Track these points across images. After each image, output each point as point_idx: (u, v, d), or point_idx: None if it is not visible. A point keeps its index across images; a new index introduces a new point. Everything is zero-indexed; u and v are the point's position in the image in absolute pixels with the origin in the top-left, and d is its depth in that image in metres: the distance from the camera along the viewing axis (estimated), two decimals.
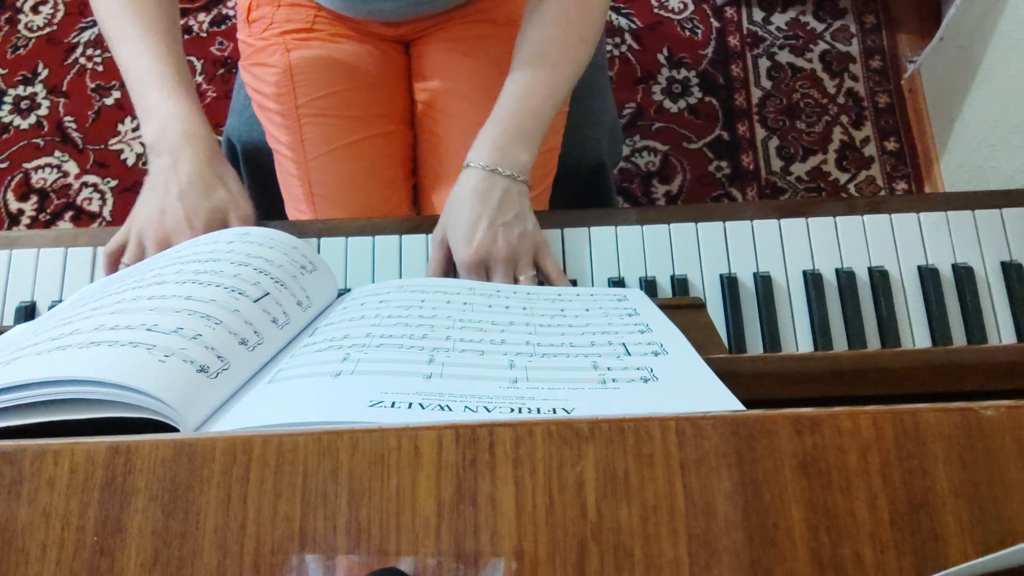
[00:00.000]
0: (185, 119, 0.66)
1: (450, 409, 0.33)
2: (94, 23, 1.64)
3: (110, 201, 1.50)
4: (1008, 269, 0.66)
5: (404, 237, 0.69)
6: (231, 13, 1.64)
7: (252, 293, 0.47)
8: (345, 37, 0.85)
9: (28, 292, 0.69)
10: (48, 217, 1.49)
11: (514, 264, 0.65)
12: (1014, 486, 0.28)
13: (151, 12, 0.69)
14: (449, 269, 0.67)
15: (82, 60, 1.61)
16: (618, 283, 0.67)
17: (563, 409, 0.33)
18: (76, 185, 1.51)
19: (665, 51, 1.59)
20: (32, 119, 1.58)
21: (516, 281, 0.65)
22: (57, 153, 1.54)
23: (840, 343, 0.65)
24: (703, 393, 0.36)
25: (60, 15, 1.66)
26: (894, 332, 0.65)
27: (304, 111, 0.83)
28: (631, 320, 0.48)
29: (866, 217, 0.68)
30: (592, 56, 0.72)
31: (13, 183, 1.53)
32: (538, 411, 0.33)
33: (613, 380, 0.37)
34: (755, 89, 1.55)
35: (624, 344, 0.43)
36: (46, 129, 1.56)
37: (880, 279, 0.66)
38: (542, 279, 0.66)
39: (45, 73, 1.61)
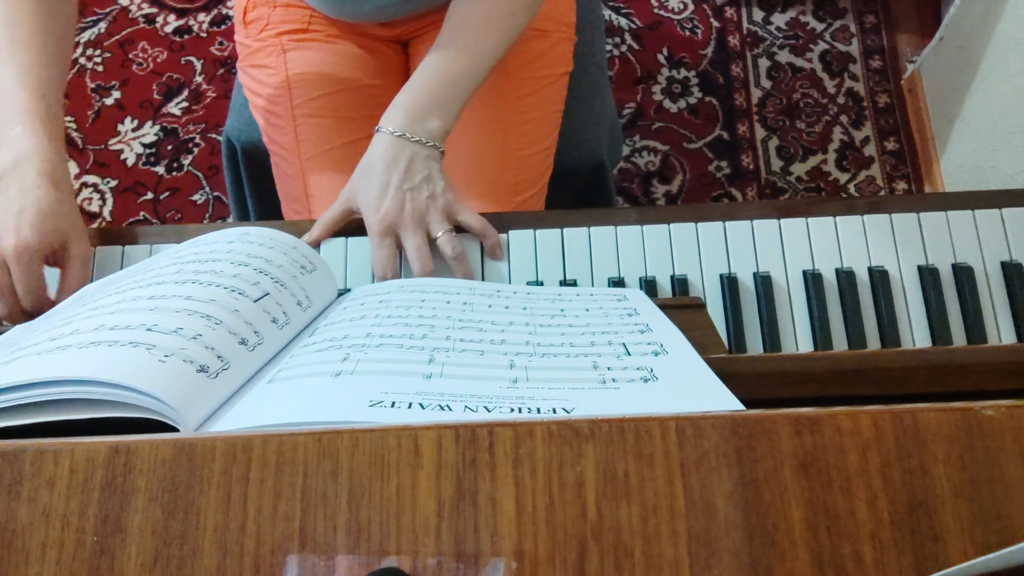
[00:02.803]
0: (42, 158, 0.64)
1: (450, 409, 0.33)
2: (94, 23, 1.64)
3: (110, 201, 1.50)
4: (1008, 269, 0.66)
5: None
6: (231, 13, 1.64)
7: (252, 293, 0.47)
8: (341, 38, 0.85)
9: None
10: None
11: (424, 225, 0.66)
12: (1014, 486, 0.28)
13: (43, 32, 0.67)
14: (338, 227, 0.68)
15: (82, 60, 1.61)
16: (618, 283, 0.67)
17: (563, 409, 0.33)
18: (76, 185, 1.51)
19: (665, 51, 1.59)
20: None
21: (432, 241, 0.66)
22: None
23: (840, 343, 0.65)
24: (703, 393, 0.36)
25: None
26: (894, 332, 0.65)
27: (300, 112, 0.83)
28: (631, 320, 0.48)
29: (866, 217, 0.68)
30: (524, 29, 0.73)
31: None
32: (538, 411, 0.33)
33: (613, 380, 0.37)
34: (755, 89, 1.55)
35: (624, 344, 0.43)
36: None
37: (880, 279, 0.66)
38: (469, 233, 0.68)
39: None
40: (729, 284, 0.66)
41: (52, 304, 0.63)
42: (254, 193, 0.98)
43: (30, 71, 0.66)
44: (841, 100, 1.53)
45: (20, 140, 0.64)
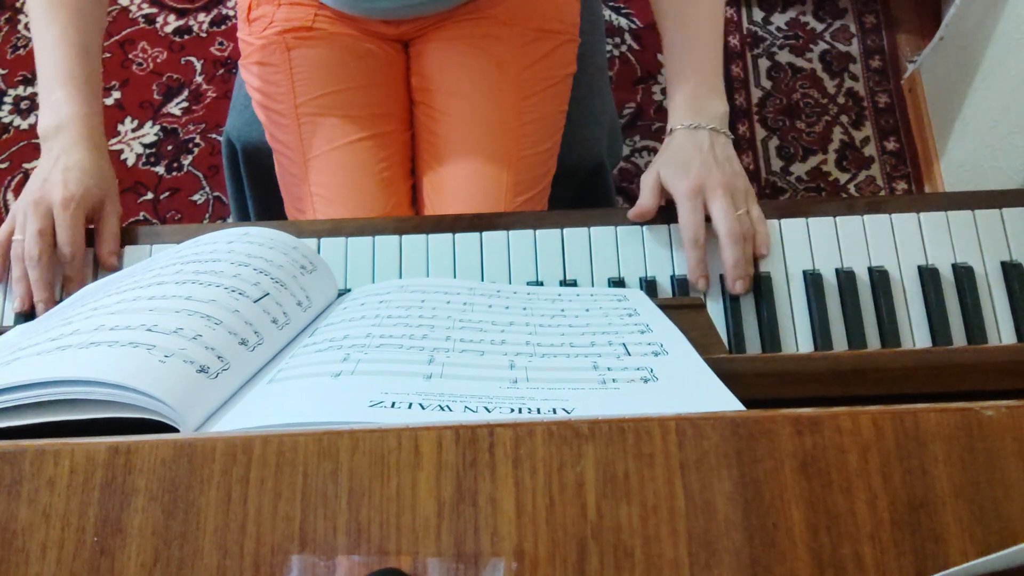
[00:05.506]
0: (83, 122, 0.70)
1: (450, 409, 0.33)
2: None
3: None
4: (1008, 269, 0.66)
5: (404, 237, 0.69)
6: (231, 13, 1.64)
7: (252, 293, 0.47)
8: (346, 36, 0.85)
9: None
10: None
11: (731, 193, 0.67)
12: (1014, 486, 0.28)
13: (79, 6, 0.71)
14: (659, 202, 0.70)
15: None
16: (618, 283, 0.67)
17: (563, 409, 0.33)
18: None
19: None
20: (32, 119, 1.58)
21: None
22: None
23: (840, 343, 0.65)
24: (703, 393, 0.36)
25: None
26: (894, 332, 0.65)
27: (303, 110, 0.83)
28: (631, 320, 0.48)
29: (866, 217, 0.68)
30: None
31: (13, 183, 1.53)
32: (538, 411, 0.33)
33: (613, 380, 0.37)
34: (755, 89, 1.55)
35: (624, 344, 0.43)
36: None
37: (880, 279, 0.66)
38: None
39: None
40: None
41: (103, 260, 0.69)
42: (254, 193, 0.98)
43: (69, 36, 0.70)
44: (841, 100, 1.53)
45: (62, 105, 0.69)
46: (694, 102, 0.70)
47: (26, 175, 1.53)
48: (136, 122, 1.55)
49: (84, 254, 0.68)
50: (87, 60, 0.71)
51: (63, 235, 0.67)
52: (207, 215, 1.49)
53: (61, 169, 0.68)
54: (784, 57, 1.58)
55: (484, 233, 0.68)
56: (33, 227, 0.66)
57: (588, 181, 0.95)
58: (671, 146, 0.70)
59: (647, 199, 0.69)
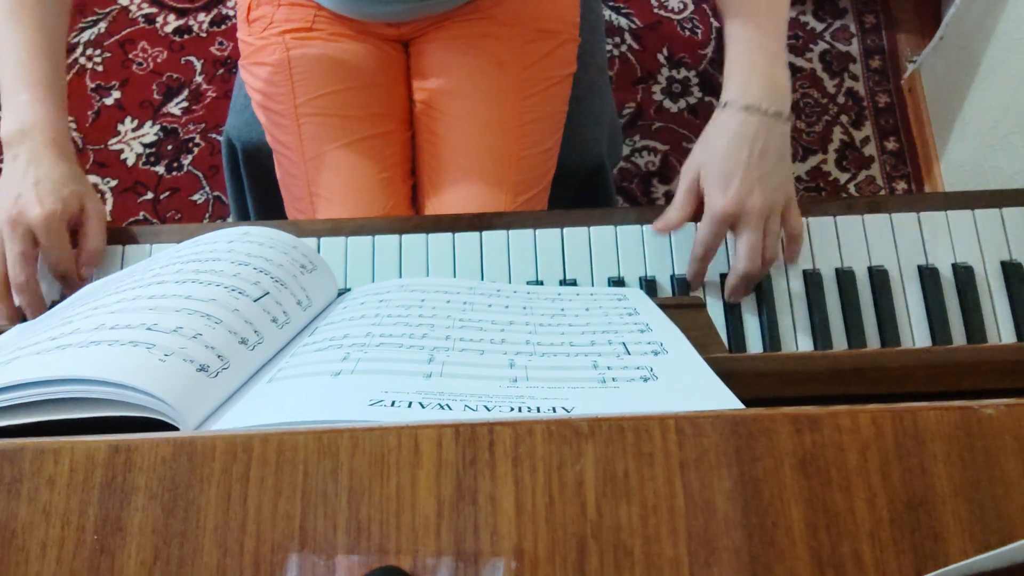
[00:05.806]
0: (50, 127, 0.67)
1: (450, 408, 0.33)
2: (94, 23, 1.64)
3: (110, 201, 1.50)
4: (1008, 269, 0.66)
5: (404, 237, 0.69)
6: (231, 13, 1.64)
7: (252, 292, 0.47)
8: (345, 36, 0.85)
9: None
10: None
11: (765, 219, 0.63)
12: (1013, 484, 0.28)
13: (42, 8, 0.69)
14: (693, 212, 0.66)
15: (82, 60, 1.61)
16: (618, 283, 0.67)
17: (563, 408, 0.33)
18: None
19: (665, 51, 1.59)
20: None
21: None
22: None
23: (840, 343, 0.65)
24: (703, 392, 0.36)
25: None
26: (894, 332, 0.65)
27: (303, 110, 0.83)
28: (631, 319, 0.48)
29: (866, 217, 0.68)
30: None
31: None
32: (538, 410, 0.33)
33: (613, 379, 0.37)
34: None
35: (624, 343, 0.43)
36: None
37: (880, 279, 0.66)
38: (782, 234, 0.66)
39: None
40: None
41: (78, 275, 0.67)
42: (254, 193, 0.98)
43: (33, 39, 0.68)
44: (841, 100, 1.53)
45: (27, 108, 0.67)
46: (752, 72, 0.64)
47: None
48: (136, 122, 1.55)
49: (74, 267, 0.67)
50: (52, 63, 0.69)
51: (53, 256, 0.65)
52: (207, 215, 1.49)
53: (32, 184, 0.65)
54: None
55: (484, 233, 0.69)
56: (15, 250, 0.64)
57: (588, 181, 0.95)
58: (718, 131, 0.65)
59: (678, 211, 0.66)
